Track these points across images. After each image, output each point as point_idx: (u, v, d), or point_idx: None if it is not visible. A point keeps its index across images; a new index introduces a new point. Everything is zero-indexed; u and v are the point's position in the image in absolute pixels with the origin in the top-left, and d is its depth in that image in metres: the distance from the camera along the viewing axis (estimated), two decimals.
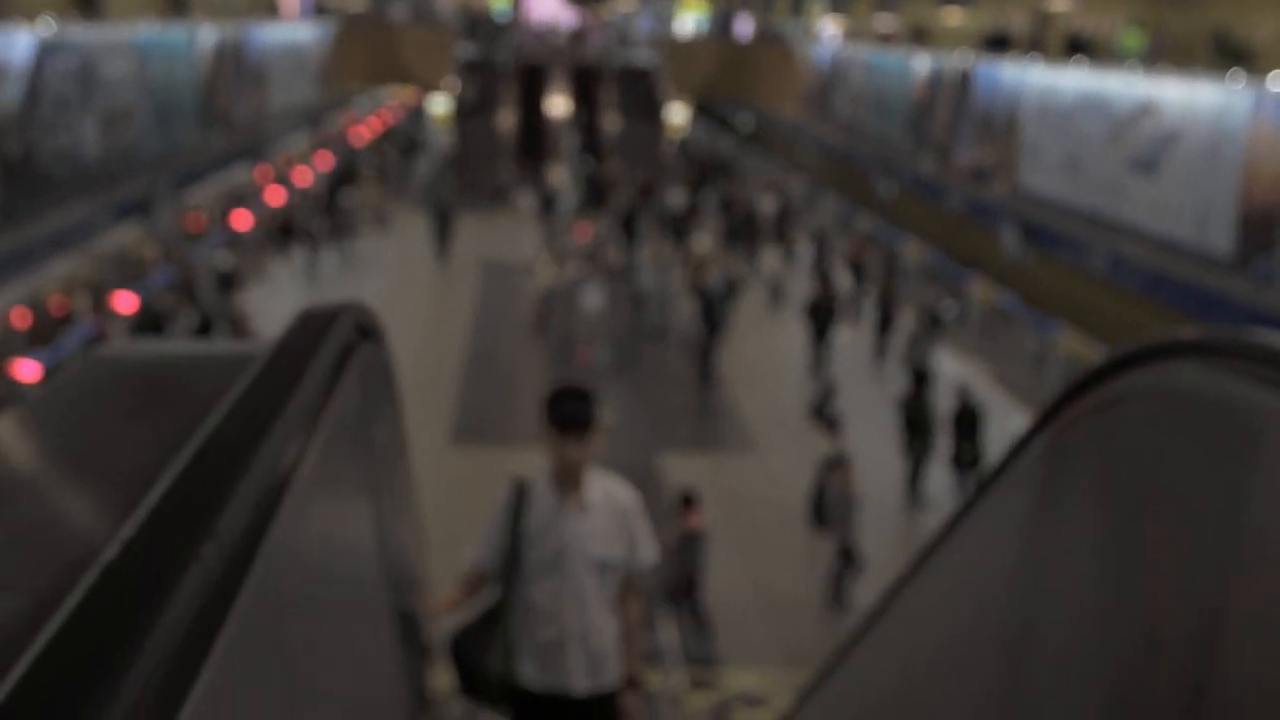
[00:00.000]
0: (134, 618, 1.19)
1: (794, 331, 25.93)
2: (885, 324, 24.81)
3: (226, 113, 28.31)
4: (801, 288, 29.02)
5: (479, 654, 4.77)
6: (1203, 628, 1.93)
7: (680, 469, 18.69)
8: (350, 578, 2.29)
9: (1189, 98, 18.09)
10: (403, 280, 30.56)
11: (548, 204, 34.86)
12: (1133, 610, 2.24)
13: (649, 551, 4.87)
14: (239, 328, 21.17)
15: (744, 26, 55.56)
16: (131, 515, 1.38)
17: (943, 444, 17.76)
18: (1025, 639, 2.74)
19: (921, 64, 30.05)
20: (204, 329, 21.33)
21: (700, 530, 13.16)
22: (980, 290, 26.24)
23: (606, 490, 4.83)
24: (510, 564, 4.76)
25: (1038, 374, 23.13)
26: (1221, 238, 16.88)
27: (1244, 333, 2.11)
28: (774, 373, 24.14)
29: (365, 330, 2.78)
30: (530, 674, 4.77)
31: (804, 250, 32.15)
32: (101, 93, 20.30)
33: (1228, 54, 21.35)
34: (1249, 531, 1.86)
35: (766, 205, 36.50)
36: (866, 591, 14.51)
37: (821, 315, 24.34)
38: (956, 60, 27.75)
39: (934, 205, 29.99)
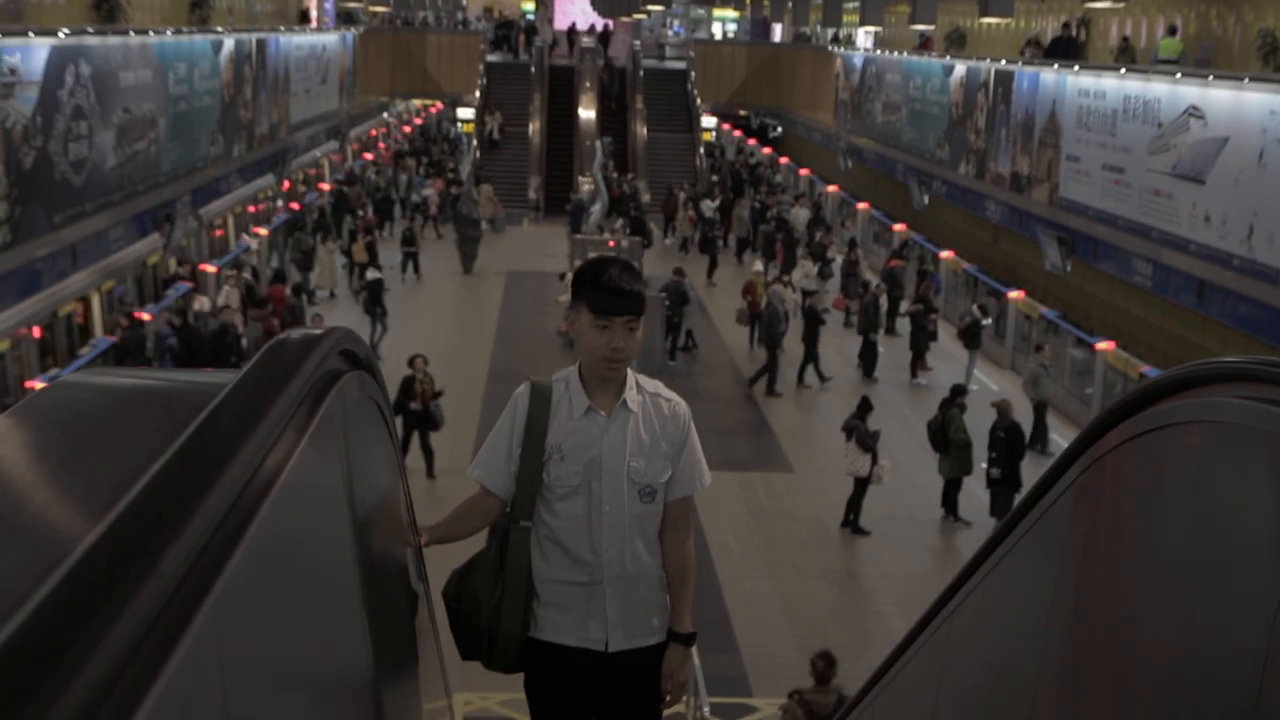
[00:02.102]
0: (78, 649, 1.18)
1: (828, 345, 25.38)
2: (919, 336, 24.33)
3: (248, 123, 27.93)
4: (835, 299, 28.54)
5: (482, 603, 3.73)
6: (1252, 653, 1.89)
7: (715, 484, 18.19)
8: (318, 620, 2.11)
9: (1236, 103, 17.49)
10: (423, 295, 30.12)
11: (575, 214, 34.43)
12: (1177, 631, 2.23)
13: (702, 473, 3.83)
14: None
15: (777, 32, 55.10)
16: (75, 546, 1.33)
17: (982, 460, 17.33)
18: (1071, 658, 2.74)
19: (959, 70, 29.48)
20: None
21: None
22: (1019, 302, 25.67)
23: (650, 395, 3.79)
24: (525, 484, 3.72)
25: (1078, 389, 22.55)
26: (1269, 248, 16.28)
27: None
28: (809, 388, 23.62)
29: (352, 356, 2.59)
30: (549, 625, 3.74)
31: (838, 261, 31.63)
32: (119, 102, 19.92)
33: (1277, 59, 20.73)
34: None
35: (799, 216, 36.01)
36: (901, 609, 14.01)
37: (868, 319, 24.11)
38: (995, 66, 27.17)
39: (972, 215, 29.43)
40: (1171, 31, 24.01)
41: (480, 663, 3.83)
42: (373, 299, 25.00)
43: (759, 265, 27.98)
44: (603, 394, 3.71)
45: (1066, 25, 26.87)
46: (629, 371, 3.74)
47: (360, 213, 34.46)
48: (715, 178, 42.53)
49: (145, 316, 21.44)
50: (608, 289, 3.64)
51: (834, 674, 10.65)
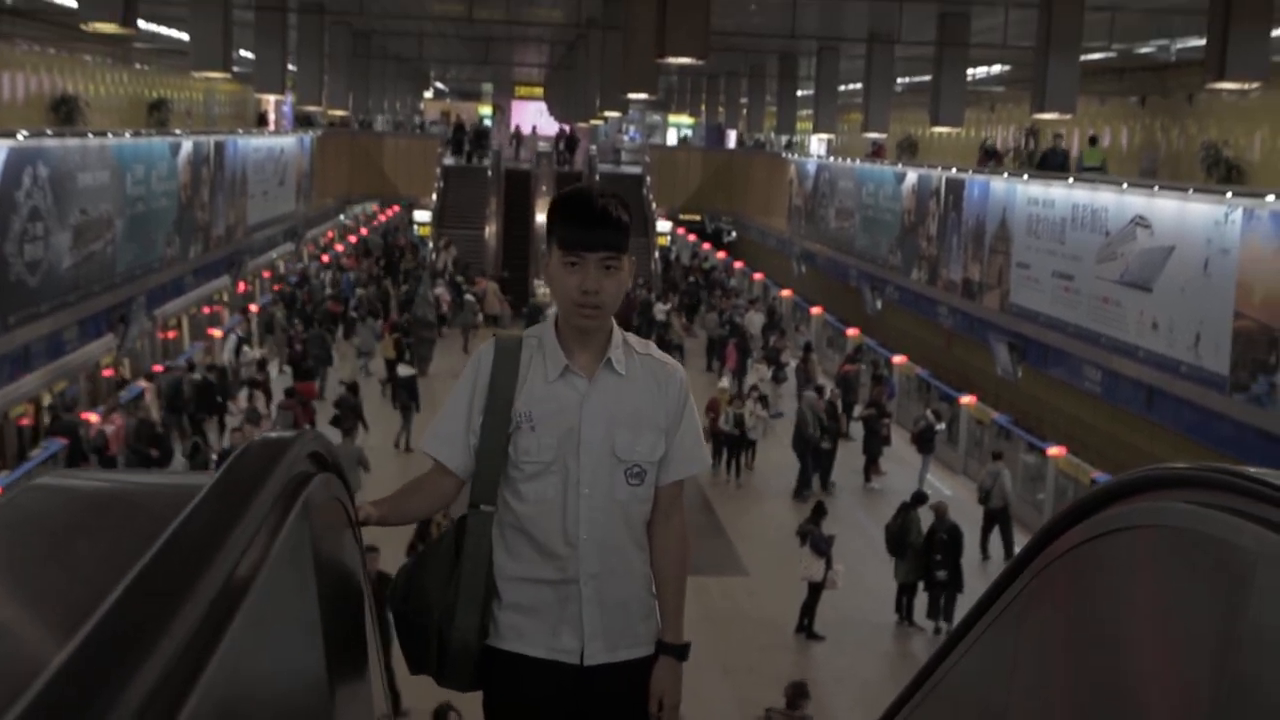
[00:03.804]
0: None
1: (784, 450, 25.43)
2: (872, 441, 24.41)
3: (205, 225, 27.97)
4: (790, 404, 28.63)
5: (432, 603, 3.10)
6: None
7: None
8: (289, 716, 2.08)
9: (1181, 214, 17.83)
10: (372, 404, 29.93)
11: (532, 318, 34.53)
12: None
13: (700, 452, 3.24)
14: None
15: (731, 138, 55.76)
16: (51, 657, 1.30)
17: (926, 566, 17.40)
18: None
19: (910, 177, 29.90)
20: None
21: None
22: (972, 407, 25.85)
23: (641, 355, 3.15)
24: (487, 460, 3.09)
25: (1030, 494, 22.67)
26: (1215, 356, 16.53)
27: (1230, 468, 2.13)
28: (765, 492, 23.66)
29: (319, 458, 2.56)
30: (512, 633, 3.09)
31: (791, 366, 31.76)
32: (77, 203, 19.94)
33: (1220, 170, 21.20)
34: (1235, 669, 1.87)
35: (754, 321, 36.19)
36: (856, 714, 13.95)
37: (825, 425, 24.18)
38: (946, 173, 27.58)
39: (924, 320, 29.72)
40: (1093, 141, 24.65)
41: (431, 677, 3.18)
42: (409, 395, 25.37)
43: (724, 382, 27.83)
44: (583, 352, 3.08)
45: (1058, 136, 26.72)
46: (616, 328, 3.12)
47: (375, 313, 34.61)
48: (689, 282, 42.88)
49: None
50: (576, 218, 3.02)
51: (803, 704, 11.69)
